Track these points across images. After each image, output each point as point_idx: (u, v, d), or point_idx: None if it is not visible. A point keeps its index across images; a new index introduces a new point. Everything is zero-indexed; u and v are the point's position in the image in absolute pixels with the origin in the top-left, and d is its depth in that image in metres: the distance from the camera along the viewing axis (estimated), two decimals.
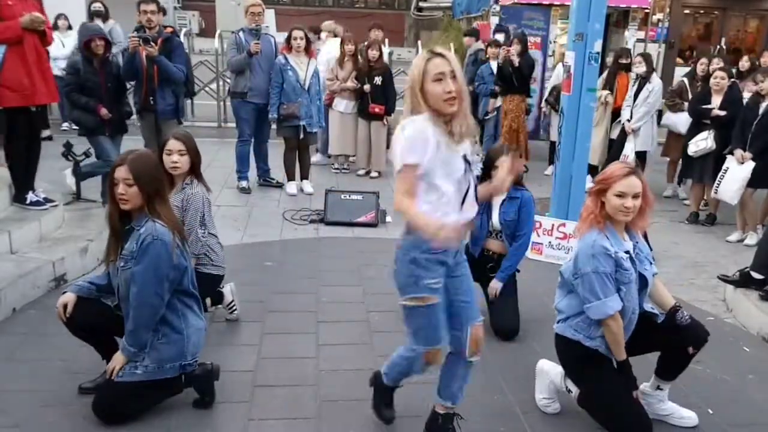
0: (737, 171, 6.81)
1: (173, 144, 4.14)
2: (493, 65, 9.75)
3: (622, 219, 3.36)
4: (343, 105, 8.94)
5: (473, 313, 3.20)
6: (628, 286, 3.36)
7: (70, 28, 10.48)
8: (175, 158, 4.13)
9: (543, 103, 10.16)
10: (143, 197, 3.35)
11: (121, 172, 3.33)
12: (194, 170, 4.28)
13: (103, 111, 6.51)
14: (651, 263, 3.53)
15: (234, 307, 4.66)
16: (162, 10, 7.39)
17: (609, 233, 3.36)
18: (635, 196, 3.31)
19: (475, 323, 3.20)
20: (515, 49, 9.17)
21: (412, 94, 2.89)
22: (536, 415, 3.71)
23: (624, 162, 3.58)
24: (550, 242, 6.18)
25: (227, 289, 4.66)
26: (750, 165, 6.72)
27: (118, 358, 3.44)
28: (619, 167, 3.39)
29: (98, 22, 10.02)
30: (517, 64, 9.02)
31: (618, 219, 3.36)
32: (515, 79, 9.08)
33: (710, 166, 7.36)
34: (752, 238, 6.97)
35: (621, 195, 3.30)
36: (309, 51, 7.95)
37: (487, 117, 9.83)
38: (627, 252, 3.37)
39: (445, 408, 3.35)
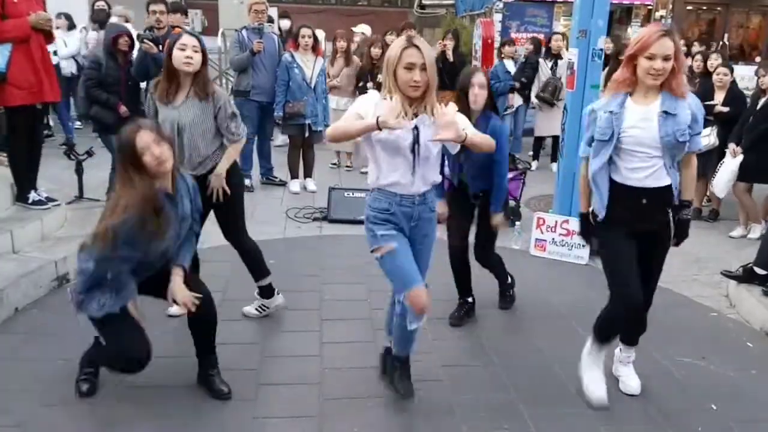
0: (729, 164, 6.90)
1: (187, 39, 4.05)
2: (507, 64, 9.73)
3: (651, 82, 3.31)
4: (334, 102, 8.85)
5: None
6: (601, 144, 3.43)
7: (72, 27, 10.43)
8: (189, 53, 4.04)
9: (534, 99, 10.11)
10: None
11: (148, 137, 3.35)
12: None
13: (123, 109, 6.48)
14: (686, 131, 3.36)
15: (263, 311, 4.71)
16: (181, 10, 7.36)
17: (621, 98, 3.40)
18: (665, 58, 3.24)
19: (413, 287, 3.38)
20: (449, 44, 9.23)
21: (387, 73, 3.25)
22: (540, 412, 3.70)
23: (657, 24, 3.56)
24: (553, 239, 6.16)
25: (280, 297, 4.75)
26: (740, 158, 6.76)
27: None
28: (652, 30, 3.31)
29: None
30: (451, 59, 9.05)
31: (647, 83, 3.32)
32: (445, 74, 8.95)
33: (713, 162, 7.34)
34: (755, 232, 6.99)
35: (651, 57, 3.25)
36: (316, 49, 7.94)
37: (505, 113, 9.75)
38: (610, 112, 3.40)
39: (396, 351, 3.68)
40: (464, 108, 4.43)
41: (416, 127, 3.27)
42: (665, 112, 3.33)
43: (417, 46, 3.17)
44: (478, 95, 4.49)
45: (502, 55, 9.97)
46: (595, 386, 3.72)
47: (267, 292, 4.70)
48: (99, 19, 10.09)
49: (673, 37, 3.26)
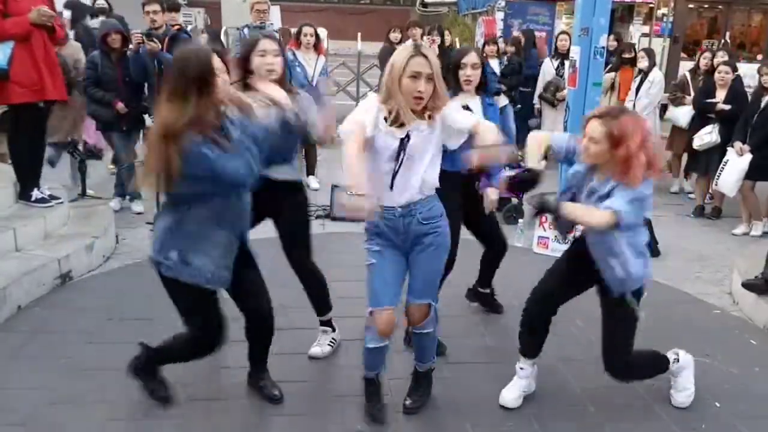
0: (736, 163, 6.87)
1: (266, 44, 3.64)
2: (493, 64, 9.66)
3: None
4: None
5: (415, 294, 3.43)
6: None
7: None
8: (270, 60, 3.62)
9: (536, 99, 10.09)
10: None
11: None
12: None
13: (119, 105, 6.50)
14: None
15: (334, 344, 4.30)
16: (176, 8, 7.38)
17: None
18: (591, 139, 3.29)
19: (411, 302, 3.43)
20: (437, 40, 9.37)
21: (391, 80, 3.08)
22: (544, 411, 3.71)
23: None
24: (556, 236, 6.16)
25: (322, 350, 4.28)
26: (748, 157, 6.75)
27: None
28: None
29: (102, 18, 9.99)
30: (437, 54, 9.13)
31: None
32: None
33: (715, 159, 7.34)
34: (757, 229, 7.01)
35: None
36: (318, 48, 7.94)
37: None
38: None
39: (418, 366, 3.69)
40: (451, 88, 4.21)
41: (407, 136, 3.12)
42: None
43: (424, 55, 3.03)
44: (471, 76, 4.30)
45: (485, 54, 9.89)
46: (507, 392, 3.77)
47: (329, 324, 4.35)
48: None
49: (609, 124, 3.21)
